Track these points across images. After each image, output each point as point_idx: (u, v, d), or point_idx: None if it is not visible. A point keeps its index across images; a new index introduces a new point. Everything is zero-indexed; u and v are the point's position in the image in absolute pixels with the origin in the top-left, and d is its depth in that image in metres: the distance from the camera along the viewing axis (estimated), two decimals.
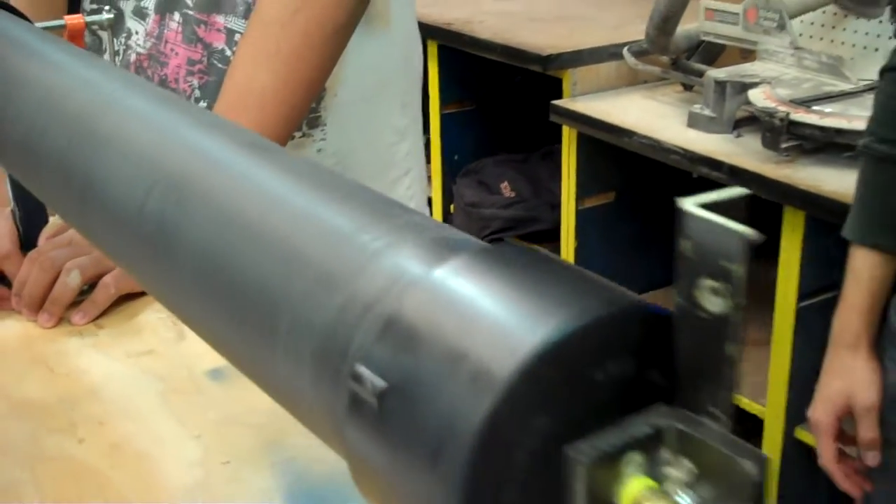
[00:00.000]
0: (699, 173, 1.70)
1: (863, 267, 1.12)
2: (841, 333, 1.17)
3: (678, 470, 0.30)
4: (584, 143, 1.97)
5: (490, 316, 0.32)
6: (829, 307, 1.23)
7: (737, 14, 1.85)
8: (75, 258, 0.92)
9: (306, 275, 0.39)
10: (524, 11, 2.36)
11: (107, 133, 0.53)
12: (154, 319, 0.92)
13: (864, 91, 1.65)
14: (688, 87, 1.97)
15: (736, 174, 1.62)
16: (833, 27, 1.98)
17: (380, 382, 0.33)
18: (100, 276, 0.92)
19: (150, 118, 0.53)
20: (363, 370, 0.33)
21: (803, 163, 1.59)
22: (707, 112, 1.77)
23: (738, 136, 1.74)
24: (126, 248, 0.52)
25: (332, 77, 1.08)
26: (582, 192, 2.01)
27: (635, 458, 0.31)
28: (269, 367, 0.41)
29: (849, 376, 1.15)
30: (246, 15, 1.11)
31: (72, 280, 0.90)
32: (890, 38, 1.81)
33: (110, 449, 0.74)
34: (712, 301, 0.29)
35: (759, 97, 1.67)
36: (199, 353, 0.85)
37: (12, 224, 0.96)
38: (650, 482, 0.30)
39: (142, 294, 0.94)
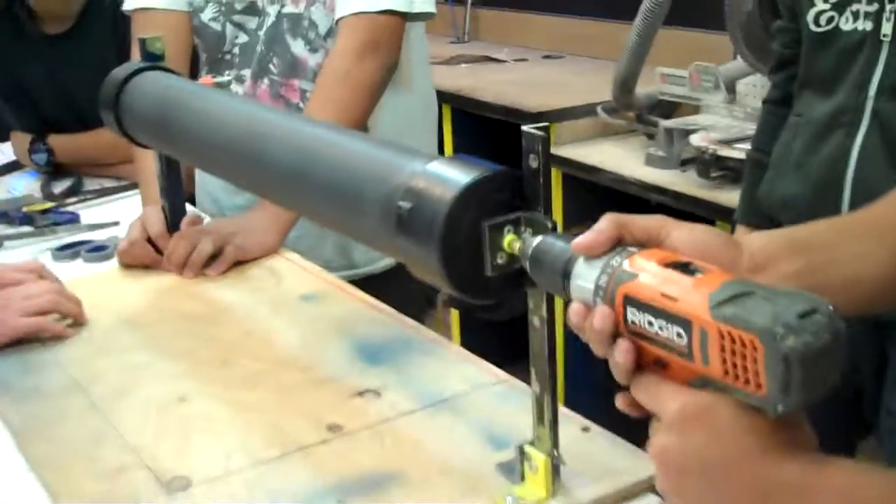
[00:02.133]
0: (654, 200, 2.18)
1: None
2: None
3: (525, 232, 0.78)
4: (567, 181, 2.45)
5: (449, 176, 0.79)
6: None
7: (684, 77, 2.34)
8: (207, 236, 1.40)
9: (372, 174, 0.87)
10: (517, 80, 2.89)
11: (262, 126, 1.03)
12: (258, 272, 1.40)
13: None
14: (649, 136, 2.45)
15: (679, 198, 2.10)
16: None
17: (408, 205, 0.80)
18: (223, 246, 1.40)
19: (281, 119, 1.03)
20: (401, 202, 0.81)
21: (729, 188, 2.06)
22: (660, 153, 2.26)
23: (684, 170, 2.22)
24: (271, 181, 1.01)
25: (371, 118, 1.57)
26: (568, 222, 2.48)
27: (509, 228, 0.78)
28: (355, 221, 0.89)
29: None
30: (313, 79, 1.60)
31: (204, 248, 1.39)
32: None
33: (242, 336, 1.22)
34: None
35: (698, 139, 2.15)
36: (290, 286, 1.33)
37: (163, 215, 1.44)
38: (514, 236, 0.78)
39: (250, 261, 1.42)
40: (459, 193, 0.77)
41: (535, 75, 3.06)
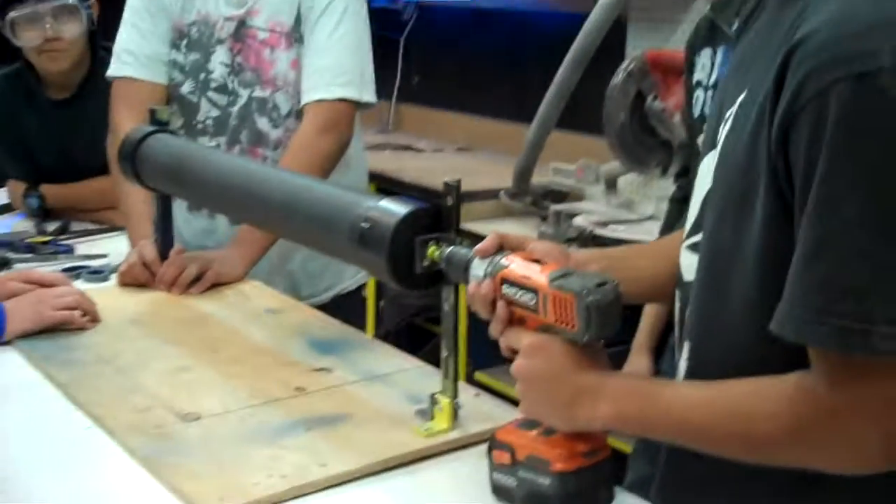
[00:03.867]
0: None
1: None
2: None
3: (442, 245, 1.21)
4: None
5: (394, 208, 1.23)
6: None
7: (572, 171, 2.85)
8: (192, 262, 1.81)
9: (341, 207, 1.30)
10: (434, 167, 3.41)
11: (257, 175, 1.46)
12: (230, 292, 1.81)
13: (642, 220, 2.63)
14: (542, 217, 2.94)
15: None
16: (645, 184, 2.99)
17: (367, 226, 1.24)
18: (204, 271, 1.81)
19: (271, 171, 1.46)
20: (363, 224, 1.24)
21: None
22: (550, 231, 2.74)
23: (569, 246, 2.69)
24: (257, 213, 1.43)
25: None
26: None
27: (432, 242, 1.22)
28: (328, 239, 1.32)
29: None
30: (274, 148, 2.03)
31: (190, 271, 1.79)
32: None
33: (224, 333, 1.62)
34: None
35: (580, 221, 2.64)
36: (256, 303, 1.74)
37: (155, 246, 1.84)
38: (435, 247, 1.21)
39: (223, 284, 1.83)
40: (401, 219, 1.21)
41: (450, 163, 3.58)
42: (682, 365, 1.05)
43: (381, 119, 4.26)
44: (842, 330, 0.83)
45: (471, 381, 2.64)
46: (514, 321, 1.09)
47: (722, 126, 0.98)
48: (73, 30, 2.27)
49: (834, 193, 0.82)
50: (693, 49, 1.82)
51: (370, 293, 3.35)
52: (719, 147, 0.97)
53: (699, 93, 1.79)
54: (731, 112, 0.96)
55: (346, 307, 2.09)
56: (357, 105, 2.00)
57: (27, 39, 2.26)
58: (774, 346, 0.88)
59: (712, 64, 1.77)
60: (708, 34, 1.79)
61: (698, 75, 1.79)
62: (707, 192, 1.00)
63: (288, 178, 1.44)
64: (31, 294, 1.62)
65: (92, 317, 1.64)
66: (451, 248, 1.19)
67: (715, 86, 1.74)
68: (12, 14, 2.23)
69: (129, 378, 1.43)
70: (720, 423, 0.93)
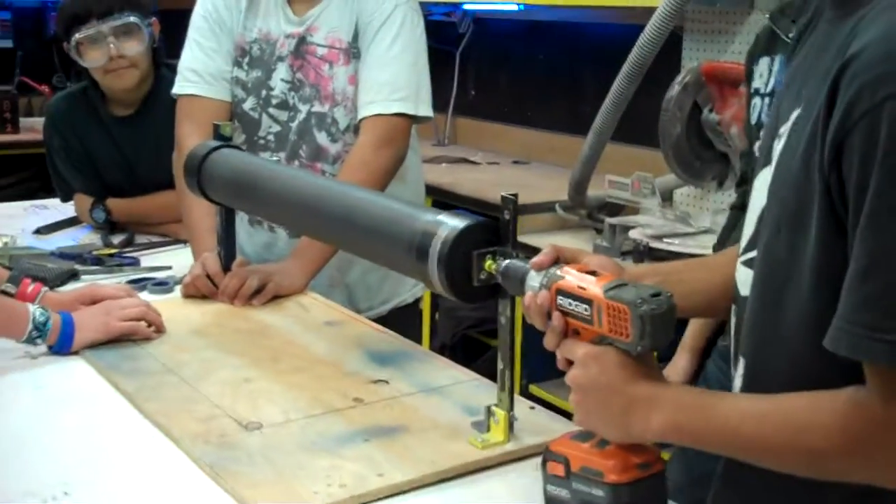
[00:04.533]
0: None
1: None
2: None
3: (498, 258, 1.23)
4: None
5: (451, 223, 1.25)
6: None
7: (628, 184, 2.85)
8: (254, 274, 1.85)
9: (401, 221, 1.33)
10: (489, 179, 3.43)
11: (320, 189, 1.49)
12: (290, 304, 1.84)
13: (698, 233, 2.62)
14: (597, 230, 2.94)
15: None
16: (701, 197, 2.98)
17: (425, 241, 1.26)
18: (265, 283, 1.85)
19: (333, 184, 1.49)
20: (421, 239, 1.27)
21: None
22: (605, 244, 2.74)
23: (623, 259, 2.70)
24: (319, 226, 1.46)
25: None
26: None
27: (489, 256, 1.24)
28: (388, 253, 1.35)
29: None
30: (333, 163, 2.06)
31: (252, 283, 1.83)
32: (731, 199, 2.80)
33: (284, 344, 1.65)
34: None
35: (635, 234, 2.64)
36: (315, 315, 1.78)
37: (218, 258, 1.89)
38: (492, 261, 1.23)
39: (283, 296, 1.86)
40: (459, 233, 1.23)
41: (505, 176, 3.59)
42: (738, 381, 1.06)
43: (437, 132, 4.30)
44: (894, 346, 0.83)
45: (525, 393, 2.66)
46: (568, 332, 1.10)
47: (776, 142, 0.98)
48: (135, 48, 2.33)
49: (886, 209, 0.83)
50: (752, 58, 1.83)
51: (425, 306, 3.38)
52: (774, 163, 0.98)
53: (756, 100, 1.81)
54: (785, 128, 0.96)
55: (402, 320, 2.12)
56: (413, 119, 2.03)
57: (92, 60, 2.33)
58: (830, 361, 0.88)
59: (770, 72, 1.80)
60: (767, 43, 1.81)
61: (756, 83, 1.82)
62: (762, 209, 1.01)
63: (349, 192, 1.48)
64: (98, 305, 1.67)
65: (157, 327, 1.68)
66: (508, 261, 1.21)
67: (772, 94, 1.76)
68: (77, 36, 2.30)
69: (193, 387, 1.47)
70: (774, 435, 0.94)
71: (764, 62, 1.81)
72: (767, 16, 1.91)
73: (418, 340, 2.27)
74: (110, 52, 2.31)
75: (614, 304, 1.04)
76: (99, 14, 2.30)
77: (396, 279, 2.16)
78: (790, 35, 1.74)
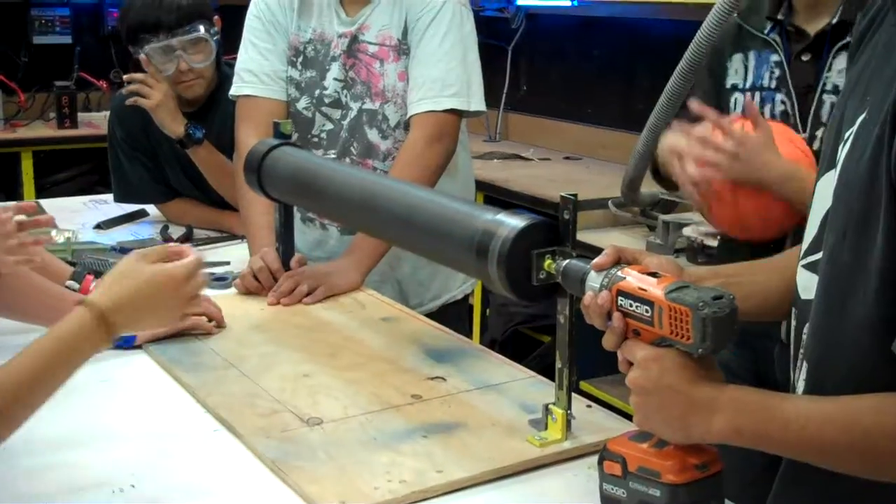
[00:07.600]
0: None
1: None
2: None
3: (558, 258, 1.24)
4: None
5: (511, 222, 1.26)
6: None
7: None
8: (307, 279, 1.87)
9: (460, 220, 1.34)
10: (542, 175, 3.42)
11: (378, 187, 1.51)
12: (347, 300, 1.87)
13: None
14: (650, 227, 2.93)
15: None
16: None
17: (485, 240, 1.27)
18: (318, 285, 1.87)
19: (391, 182, 1.51)
20: (480, 238, 1.28)
21: None
22: (658, 241, 2.73)
23: (677, 256, 2.69)
24: (377, 223, 1.48)
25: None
26: None
27: (548, 255, 1.25)
28: (447, 251, 1.36)
29: None
30: (383, 160, 2.08)
31: (302, 289, 1.86)
32: None
33: (341, 340, 1.67)
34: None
35: (689, 231, 2.63)
36: (371, 311, 1.80)
37: (277, 254, 1.91)
38: (551, 260, 1.24)
39: (334, 295, 1.89)
40: (518, 233, 1.24)
41: (557, 173, 3.59)
42: (800, 385, 1.05)
43: (489, 128, 4.30)
44: None
45: (576, 390, 2.65)
46: (629, 333, 1.11)
47: (841, 146, 0.98)
48: (203, 60, 2.37)
49: None
50: (722, 55, 1.86)
51: (476, 301, 3.39)
52: (839, 167, 0.98)
53: (737, 95, 1.83)
54: (850, 132, 0.96)
55: (452, 315, 2.13)
56: (463, 114, 2.04)
57: (161, 69, 2.37)
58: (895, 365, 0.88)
59: (745, 67, 1.84)
60: (736, 39, 1.85)
61: (732, 79, 1.85)
62: (826, 212, 1.01)
63: (408, 190, 1.49)
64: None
65: (218, 322, 1.71)
66: (568, 260, 1.22)
67: (752, 88, 1.80)
68: (147, 48, 2.34)
69: (254, 382, 1.50)
70: (839, 437, 0.94)
71: (737, 58, 1.84)
72: (736, 13, 1.92)
73: (469, 336, 2.29)
74: (180, 66, 2.35)
75: (676, 306, 1.04)
76: (168, 26, 2.32)
77: (446, 275, 2.18)
78: (764, 31, 1.78)
